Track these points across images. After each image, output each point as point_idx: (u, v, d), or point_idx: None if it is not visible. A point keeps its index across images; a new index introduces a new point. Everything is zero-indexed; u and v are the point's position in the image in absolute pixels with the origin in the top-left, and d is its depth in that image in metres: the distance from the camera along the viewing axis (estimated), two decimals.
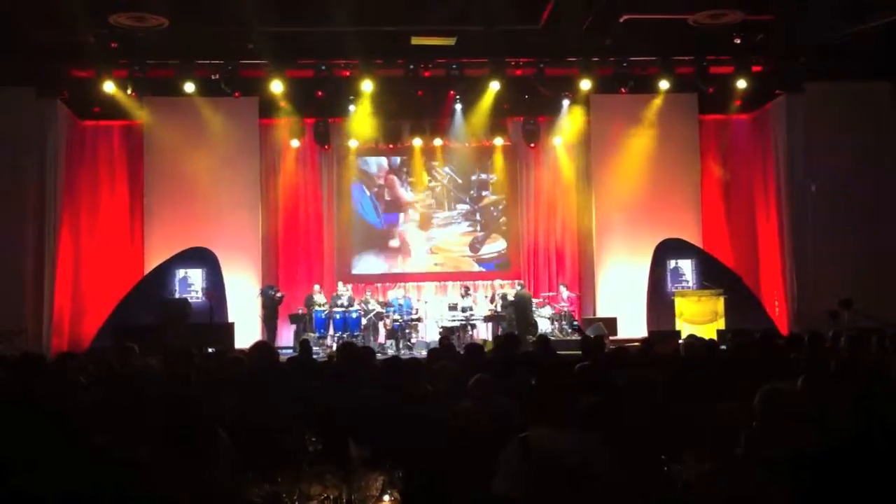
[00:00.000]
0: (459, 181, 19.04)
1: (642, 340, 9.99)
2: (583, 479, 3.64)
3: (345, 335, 16.24)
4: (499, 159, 18.92)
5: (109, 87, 15.97)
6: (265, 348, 7.18)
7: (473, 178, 19.07)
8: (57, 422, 4.04)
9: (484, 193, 19.14)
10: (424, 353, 11.47)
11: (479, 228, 19.12)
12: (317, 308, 16.58)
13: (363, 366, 6.64)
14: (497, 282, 17.91)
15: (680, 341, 10.70)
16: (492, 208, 19.14)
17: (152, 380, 6.22)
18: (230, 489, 3.72)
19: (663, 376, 5.23)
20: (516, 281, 17.56)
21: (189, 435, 3.78)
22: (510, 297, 16.79)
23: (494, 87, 16.68)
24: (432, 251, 18.99)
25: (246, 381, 6.13)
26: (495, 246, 19.09)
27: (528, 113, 18.14)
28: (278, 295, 16.70)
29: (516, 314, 16.33)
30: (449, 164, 18.93)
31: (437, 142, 18.38)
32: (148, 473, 3.56)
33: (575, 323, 16.90)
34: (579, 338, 12.57)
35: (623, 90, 16.99)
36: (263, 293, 16.69)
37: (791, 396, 4.48)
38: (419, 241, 18.98)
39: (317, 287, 17.08)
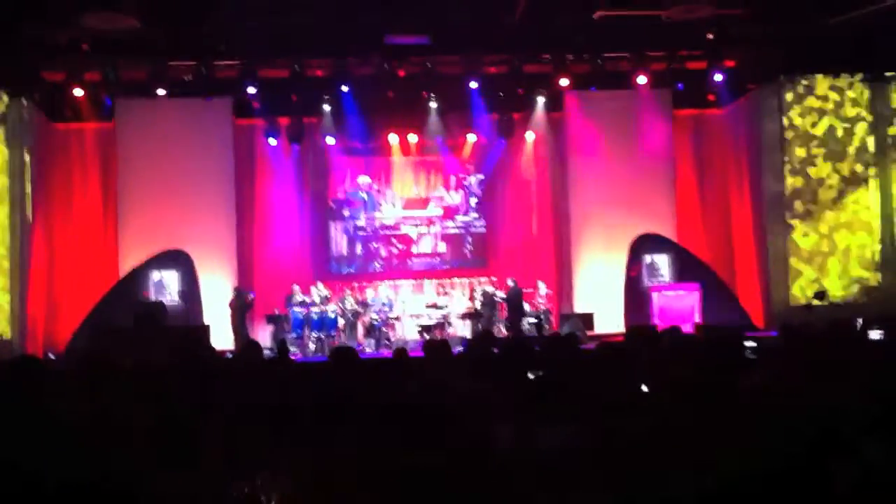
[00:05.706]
0: (434, 177, 18.99)
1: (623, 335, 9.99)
2: (570, 473, 3.64)
3: (322, 335, 16.19)
4: (474, 155, 18.87)
5: (80, 90, 15.83)
6: (252, 347, 7.21)
7: (449, 174, 19.02)
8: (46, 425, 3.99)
9: (459, 189, 19.08)
10: None
11: (454, 225, 19.05)
12: (294, 309, 16.50)
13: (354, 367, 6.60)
14: (475, 279, 17.89)
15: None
16: (467, 204, 19.10)
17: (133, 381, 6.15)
18: (210, 491, 3.68)
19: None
20: (508, 279, 17.51)
21: (175, 444, 3.71)
22: (499, 295, 16.98)
23: (469, 83, 16.68)
24: (407, 248, 18.92)
25: (227, 379, 6.09)
26: (471, 242, 19.04)
27: (503, 109, 18.10)
28: (250, 297, 16.56)
29: (510, 309, 16.60)
30: (423, 160, 18.86)
31: (412, 138, 18.32)
32: (133, 478, 3.52)
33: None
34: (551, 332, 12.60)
35: (597, 86, 17.02)
36: (237, 295, 16.50)
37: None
38: (394, 238, 18.90)
39: (296, 287, 16.98)
